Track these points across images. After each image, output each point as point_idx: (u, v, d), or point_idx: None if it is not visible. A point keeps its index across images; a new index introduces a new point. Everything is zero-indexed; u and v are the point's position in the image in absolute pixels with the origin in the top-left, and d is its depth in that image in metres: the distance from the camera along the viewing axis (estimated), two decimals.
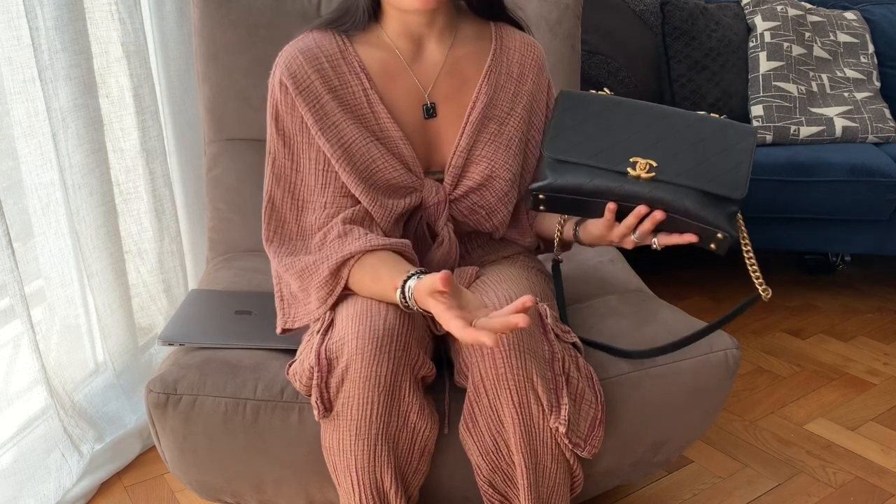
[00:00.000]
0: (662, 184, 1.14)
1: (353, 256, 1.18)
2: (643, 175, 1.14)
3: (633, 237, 1.17)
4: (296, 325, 1.27)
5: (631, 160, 1.15)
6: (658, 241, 1.17)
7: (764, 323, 2.32)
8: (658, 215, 1.13)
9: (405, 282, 1.10)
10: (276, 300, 1.30)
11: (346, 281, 1.19)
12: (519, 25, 1.34)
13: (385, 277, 1.14)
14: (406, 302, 1.10)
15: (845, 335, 2.25)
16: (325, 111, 1.22)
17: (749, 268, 1.18)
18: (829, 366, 2.09)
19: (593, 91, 1.22)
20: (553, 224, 1.34)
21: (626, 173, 1.14)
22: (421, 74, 1.27)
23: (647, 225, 1.14)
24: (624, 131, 1.16)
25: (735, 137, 1.16)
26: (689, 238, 1.15)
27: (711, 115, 1.19)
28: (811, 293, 2.51)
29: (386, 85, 1.25)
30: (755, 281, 1.18)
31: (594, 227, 1.22)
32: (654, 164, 1.14)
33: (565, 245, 1.37)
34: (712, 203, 1.14)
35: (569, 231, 1.31)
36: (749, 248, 1.18)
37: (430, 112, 1.27)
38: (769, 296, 1.17)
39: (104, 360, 1.77)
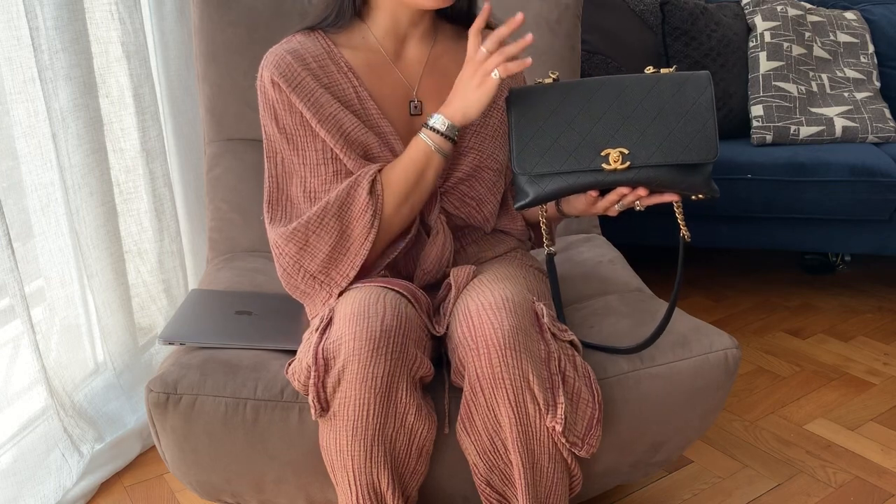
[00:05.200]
0: (638, 168, 1.15)
1: (377, 173, 1.22)
2: (618, 167, 1.15)
3: (616, 207, 1.21)
4: (343, 284, 1.24)
5: (602, 153, 1.15)
6: (641, 204, 1.20)
7: (764, 323, 2.32)
8: (640, 191, 1.17)
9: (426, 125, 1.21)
10: (305, 286, 1.26)
11: (382, 198, 1.22)
12: (492, 27, 1.36)
13: (404, 153, 1.22)
14: (430, 125, 1.20)
15: (845, 335, 2.25)
16: (321, 103, 1.24)
17: (677, 215, 1.24)
18: (829, 366, 2.09)
19: (540, 81, 1.20)
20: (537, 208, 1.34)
21: (601, 169, 1.15)
22: (404, 72, 1.30)
23: (630, 198, 1.19)
24: (586, 122, 1.15)
25: (693, 93, 1.16)
26: (671, 198, 1.19)
27: (663, 71, 1.18)
28: (811, 293, 2.51)
29: (373, 83, 1.27)
30: (681, 226, 1.23)
31: (577, 201, 1.26)
32: (626, 152, 1.15)
33: (550, 222, 1.39)
34: (689, 171, 1.16)
35: (552, 206, 1.34)
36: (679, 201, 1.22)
37: (417, 109, 1.29)
38: (688, 237, 1.24)
39: (104, 360, 1.77)
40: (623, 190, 1.17)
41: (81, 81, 1.60)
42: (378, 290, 1.17)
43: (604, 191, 1.20)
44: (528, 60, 1.12)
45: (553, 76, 1.18)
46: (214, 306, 1.44)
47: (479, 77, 1.15)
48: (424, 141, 1.21)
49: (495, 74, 1.14)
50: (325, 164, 1.25)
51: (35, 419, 1.58)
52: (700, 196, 1.18)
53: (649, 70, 1.19)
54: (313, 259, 1.24)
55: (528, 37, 1.11)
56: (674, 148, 1.15)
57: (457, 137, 1.22)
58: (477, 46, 1.15)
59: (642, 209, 1.21)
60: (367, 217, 1.21)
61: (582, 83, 1.17)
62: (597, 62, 2.39)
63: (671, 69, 1.19)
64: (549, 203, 1.31)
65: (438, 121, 1.21)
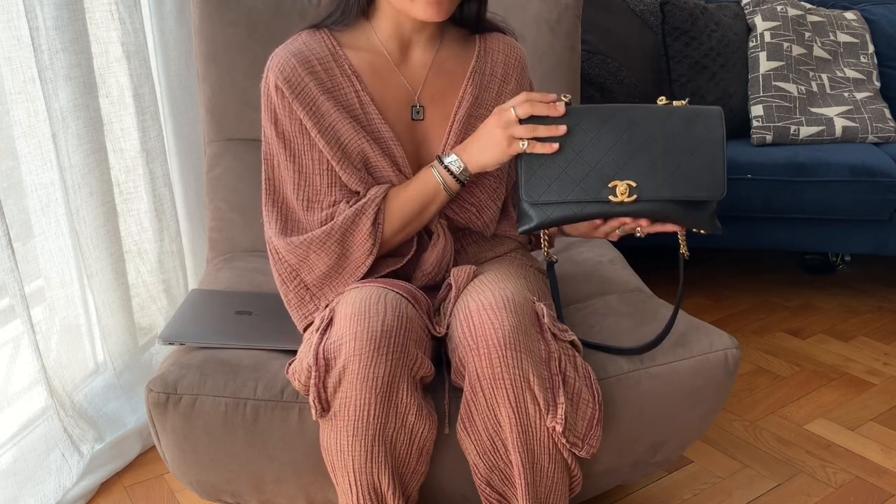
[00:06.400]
0: (645, 202, 1.15)
1: (382, 202, 1.23)
2: (626, 200, 1.14)
3: (617, 232, 1.22)
4: (332, 302, 1.24)
5: (609, 185, 1.14)
6: (642, 231, 1.20)
7: (764, 323, 2.32)
8: (643, 222, 1.18)
9: (439, 157, 1.22)
10: (294, 295, 1.27)
11: (382, 226, 1.23)
12: (501, 30, 1.36)
13: (412, 181, 1.23)
14: (443, 162, 1.21)
15: (845, 335, 2.25)
16: (322, 112, 1.23)
17: (678, 235, 1.23)
18: (829, 366, 2.09)
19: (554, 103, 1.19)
20: None
21: (608, 201, 1.15)
22: (408, 76, 1.29)
23: (631, 226, 1.19)
24: (595, 153, 1.15)
25: (704, 129, 1.15)
26: (673, 228, 1.19)
27: (675, 103, 1.17)
28: (811, 293, 2.51)
29: (376, 86, 1.27)
30: (681, 245, 1.23)
31: (579, 224, 1.25)
32: (633, 185, 1.14)
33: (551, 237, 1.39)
34: (694, 207, 1.16)
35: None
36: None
37: (419, 114, 1.28)
38: (687, 255, 1.24)
39: (104, 360, 1.77)
40: (625, 219, 1.18)
41: (81, 81, 1.60)
42: (379, 290, 1.17)
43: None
44: (556, 146, 1.14)
45: (565, 99, 1.16)
46: (214, 306, 1.44)
47: (506, 137, 1.15)
48: (435, 177, 1.22)
49: (524, 145, 1.14)
50: (321, 175, 1.25)
51: (35, 419, 1.58)
52: (702, 231, 1.18)
53: (661, 101, 1.18)
54: (310, 273, 1.26)
55: (563, 128, 1.14)
56: (681, 183, 1.14)
57: (467, 182, 1.23)
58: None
59: (643, 236, 1.21)
60: (367, 246, 1.23)
61: (592, 111, 1.16)
62: (597, 62, 2.39)
63: (684, 102, 1.17)
64: None
65: (454, 163, 1.21)
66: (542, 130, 1.14)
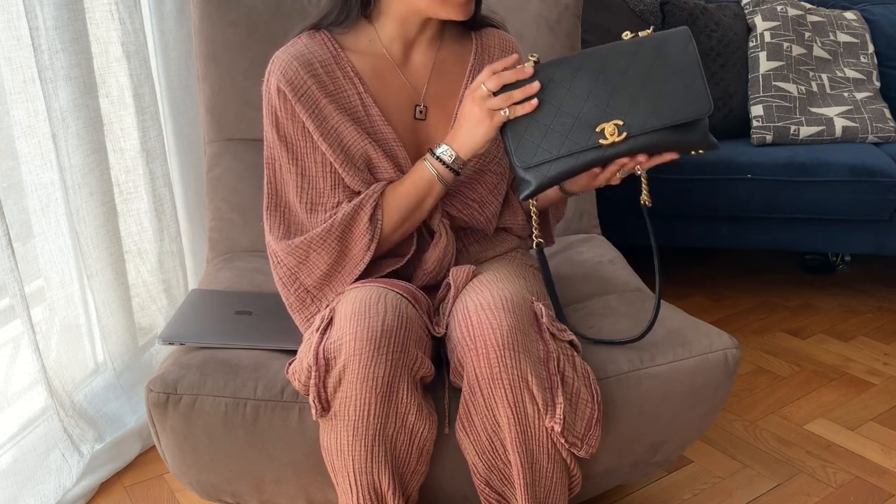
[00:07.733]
0: (636, 136, 1.15)
1: (380, 198, 1.23)
2: (616, 140, 1.14)
3: (618, 176, 1.21)
4: (333, 302, 1.24)
5: (597, 129, 1.14)
6: (642, 168, 1.19)
7: (764, 323, 2.32)
8: (640, 158, 1.17)
9: (432, 151, 1.22)
10: (295, 298, 1.28)
11: (381, 221, 1.23)
12: (492, 23, 1.36)
13: (407, 176, 1.23)
14: (436, 155, 1.21)
15: (845, 335, 2.25)
16: (324, 115, 1.23)
17: (642, 180, 1.24)
18: (829, 366, 2.09)
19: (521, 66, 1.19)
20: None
21: (599, 145, 1.15)
22: (410, 77, 1.29)
23: (631, 165, 1.19)
24: (575, 102, 1.15)
25: (675, 51, 1.15)
26: (671, 157, 1.19)
27: (640, 34, 1.17)
28: (811, 293, 2.51)
29: (379, 88, 1.27)
30: (643, 191, 1.24)
31: (579, 177, 1.25)
32: (620, 123, 1.14)
33: (548, 209, 1.39)
34: (685, 129, 1.16)
35: (550, 192, 1.32)
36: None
37: (421, 114, 1.29)
38: (650, 204, 1.24)
39: (104, 360, 1.77)
40: (623, 160, 1.17)
41: (81, 81, 1.60)
42: (379, 290, 1.17)
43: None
44: (535, 102, 1.13)
45: (533, 59, 1.16)
46: (214, 306, 1.44)
47: (485, 113, 1.15)
48: (428, 169, 1.22)
49: (505, 112, 1.14)
50: (324, 177, 1.25)
51: (35, 419, 1.58)
52: (700, 151, 1.18)
53: (627, 35, 1.17)
54: (310, 274, 1.26)
55: (536, 85, 1.13)
56: (667, 110, 1.14)
57: (461, 171, 1.22)
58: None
59: (643, 173, 1.21)
60: (365, 240, 1.23)
61: (562, 63, 1.16)
62: None
63: (648, 31, 1.17)
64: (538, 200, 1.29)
65: (446, 153, 1.21)
66: (517, 94, 1.14)
